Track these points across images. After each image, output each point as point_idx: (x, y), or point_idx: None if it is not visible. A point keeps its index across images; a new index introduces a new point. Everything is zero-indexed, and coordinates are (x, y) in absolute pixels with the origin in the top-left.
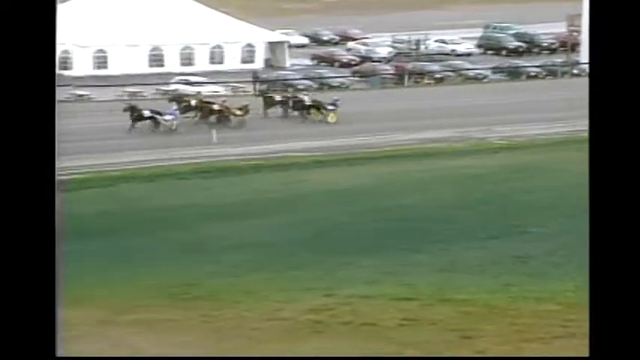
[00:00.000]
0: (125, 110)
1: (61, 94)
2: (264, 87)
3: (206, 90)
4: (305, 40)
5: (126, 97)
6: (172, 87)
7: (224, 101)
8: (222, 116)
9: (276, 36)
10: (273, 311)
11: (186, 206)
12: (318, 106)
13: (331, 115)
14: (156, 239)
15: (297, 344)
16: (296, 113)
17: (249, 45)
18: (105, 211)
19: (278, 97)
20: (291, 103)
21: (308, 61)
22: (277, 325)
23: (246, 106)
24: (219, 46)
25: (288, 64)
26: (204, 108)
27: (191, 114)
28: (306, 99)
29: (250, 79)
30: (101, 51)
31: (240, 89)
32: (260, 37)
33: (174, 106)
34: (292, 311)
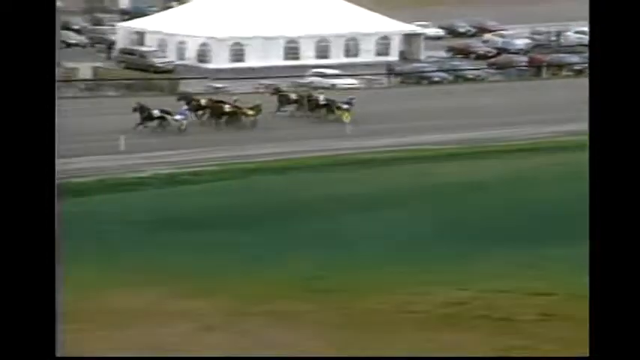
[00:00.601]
0: (135, 110)
1: (198, 86)
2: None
3: (340, 82)
4: (441, 32)
5: (262, 90)
6: (308, 79)
7: (235, 101)
8: (234, 116)
9: (412, 28)
10: (406, 304)
11: (321, 198)
12: (331, 106)
13: (346, 114)
14: (290, 230)
15: (431, 337)
16: (310, 112)
17: (385, 37)
18: (240, 204)
19: (293, 96)
20: (305, 102)
21: (443, 53)
22: (411, 318)
23: (258, 105)
24: (354, 39)
25: (423, 56)
26: (214, 108)
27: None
28: (321, 98)
29: (384, 71)
30: (238, 44)
31: (375, 82)
32: (395, 29)
33: (184, 105)
34: (426, 304)
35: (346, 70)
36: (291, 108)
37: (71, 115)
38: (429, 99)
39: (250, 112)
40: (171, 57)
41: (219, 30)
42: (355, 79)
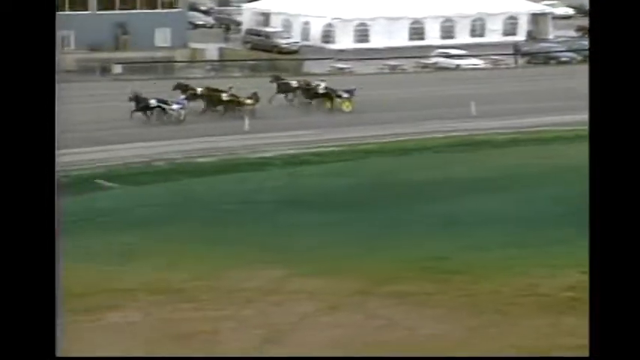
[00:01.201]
0: (131, 100)
1: (322, 66)
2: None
3: (465, 63)
4: (570, 11)
5: (387, 71)
6: (432, 60)
7: (230, 88)
8: (231, 105)
9: (540, 7)
10: (529, 286)
11: (441, 179)
12: (331, 94)
13: (346, 103)
14: (411, 211)
15: (555, 321)
16: (309, 101)
17: (512, 17)
18: (361, 184)
19: (294, 84)
20: (302, 91)
21: (572, 33)
22: (534, 300)
23: (255, 93)
24: (480, 19)
25: (551, 35)
26: (211, 97)
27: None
28: (322, 85)
29: (511, 51)
30: (363, 24)
31: (501, 62)
32: (523, 8)
33: (181, 95)
34: (549, 287)
35: (472, 50)
36: (290, 96)
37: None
38: (556, 79)
39: (248, 102)
40: (295, 38)
41: (344, 10)
42: (480, 59)
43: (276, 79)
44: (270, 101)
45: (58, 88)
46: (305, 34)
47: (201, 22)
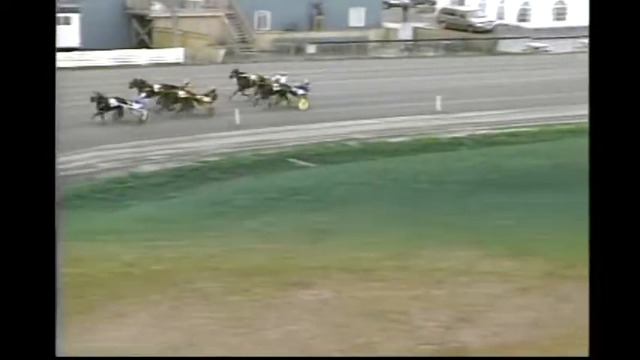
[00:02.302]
0: (92, 100)
1: (517, 45)
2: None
3: None
4: None
5: (585, 50)
6: None
7: (187, 84)
8: (188, 103)
9: None
10: None
11: None
12: (284, 91)
13: (302, 100)
14: None
15: None
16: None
17: None
18: (556, 165)
19: (253, 77)
20: (258, 87)
21: None
22: None
23: (213, 90)
24: None
25: None
26: (169, 95)
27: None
28: (282, 80)
29: None
30: (561, 2)
31: None
32: None
33: (142, 93)
34: None
35: None
36: (250, 92)
37: (389, 75)
38: None
39: (206, 99)
40: (490, 17)
41: None
42: None
43: (236, 73)
44: (230, 98)
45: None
46: (500, 12)
47: (395, 2)
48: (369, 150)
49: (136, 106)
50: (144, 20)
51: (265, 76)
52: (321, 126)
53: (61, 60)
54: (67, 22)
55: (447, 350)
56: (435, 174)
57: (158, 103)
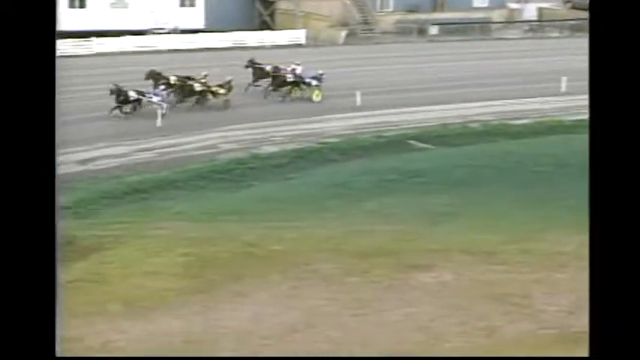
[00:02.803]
0: (111, 93)
1: None
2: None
3: None
4: None
5: None
6: None
7: (206, 76)
8: (204, 96)
9: None
10: None
11: None
12: (298, 83)
13: (316, 92)
14: None
15: None
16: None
17: None
18: None
19: (268, 68)
20: (271, 79)
21: None
22: None
23: (228, 82)
24: None
25: None
26: (184, 87)
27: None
28: (298, 70)
29: None
30: None
31: None
32: None
33: (160, 86)
34: None
35: None
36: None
37: (513, 56)
38: None
39: (221, 91)
40: None
41: None
42: None
43: (252, 64)
44: (246, 90)
45: (373, 49)
46: None
47: None
48: (491, 132)
49: (155, 99)
50: (267, 2)
51: (281, 67)
52: (443, 108)
53: (184, 42)
54: (192, 4)
55: (567, 335)
56: (559, 157)
57: (173, 94)
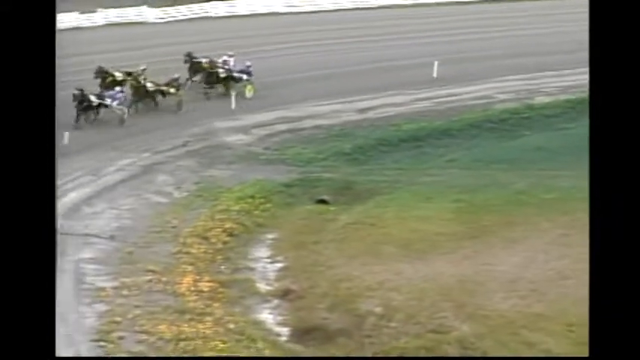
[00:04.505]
0: (74, 99)
1: None
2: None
3: None
4: None
5: None
6: None
7: (144, 70)
8: (152, 97)
9: None
10: None
11: None
12: (228, 79)
13: (249, 87)
14: None
15: None
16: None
17: None
18: None
19: (205, 63)
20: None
21: None
22: None
23: (176, 79)
24: None
25: None
26: (138, 88)
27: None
28: (231, 63)
29: None
30: None
31: None
32: None
33: (118, 87)
34: None
35: None
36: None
37: None
38: None
39: (172, 90)
40: None
41: None
42: None
43: (190, 58)
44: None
45: None
46: None
47: None
48: None
49: (112, 103)
50: None
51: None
52: None
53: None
54: None
55: None
56: None
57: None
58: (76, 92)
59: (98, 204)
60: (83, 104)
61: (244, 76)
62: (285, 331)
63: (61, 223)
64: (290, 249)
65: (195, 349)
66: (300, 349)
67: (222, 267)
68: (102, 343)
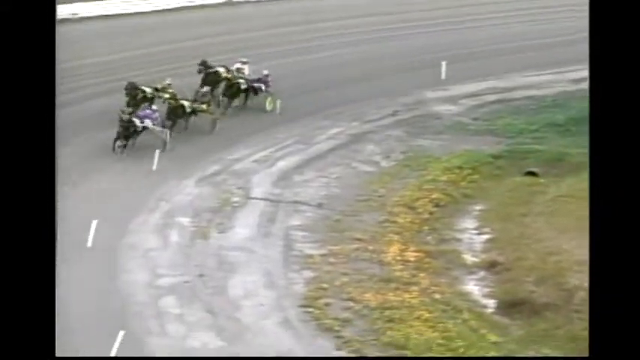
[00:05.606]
0: (121, 123)
1: None
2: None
3: None
4: None
5: None
6: None
7: (169, 84)
8: (187, 117)
9: None
10: None
11: None
12: (249, 90)
13: (269, 99)
14: None
15: None
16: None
17: None
18: None
19: (224, 74)
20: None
21: None
22: None
23: (204, 94)
24: None
25: None
26: (176, 108)
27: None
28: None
29: None
30: None
31: None
32: None
33: (151, 106)
34: None
35: None
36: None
37: None
38: None
39: (204, 107)
40: None
41: None
42: None
43: (205, 67)
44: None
45: None
46: None
47: None
48: None
49: (149, 123)
50: None
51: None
52: None
53: None
54: None
55: None
56: None
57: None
58: (124, 116)
59: None
60: (130, 130)
61: (262, 86)
62: (491, 303)
63: None
64: (497, 220)
65: (400, 317)
66: (506, 322)
67: (429, 237)
68: (309, 309)
